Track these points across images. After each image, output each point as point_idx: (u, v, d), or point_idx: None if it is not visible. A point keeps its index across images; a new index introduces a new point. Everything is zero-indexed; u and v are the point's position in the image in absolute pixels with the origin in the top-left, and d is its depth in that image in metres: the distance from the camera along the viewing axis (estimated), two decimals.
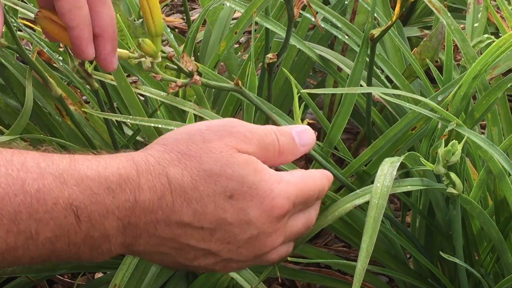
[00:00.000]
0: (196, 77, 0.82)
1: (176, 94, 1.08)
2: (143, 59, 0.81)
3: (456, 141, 0.82)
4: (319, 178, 0.76)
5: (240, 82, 0.85)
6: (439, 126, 0.96)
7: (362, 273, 0.72)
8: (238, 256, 0.72)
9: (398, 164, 0.81)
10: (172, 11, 1.95)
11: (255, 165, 0.71)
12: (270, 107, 0.99)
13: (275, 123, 0.90)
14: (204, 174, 0.69)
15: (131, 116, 0.95)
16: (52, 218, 0.65)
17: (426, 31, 1.41)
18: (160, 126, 0.90)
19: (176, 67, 0.81)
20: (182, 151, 0.70)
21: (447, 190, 0.86)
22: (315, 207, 0.78)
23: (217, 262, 0.73)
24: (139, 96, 1.07)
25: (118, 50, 0.86)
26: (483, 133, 1.19)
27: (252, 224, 0.70)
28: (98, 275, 1.22)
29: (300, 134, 0.77)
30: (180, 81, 0.81)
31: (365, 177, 1.01)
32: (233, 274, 0.93)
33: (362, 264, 0.73)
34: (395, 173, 0.80)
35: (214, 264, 0.73)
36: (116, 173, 0.67)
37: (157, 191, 0.68)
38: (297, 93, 0.89)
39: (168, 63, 0.82)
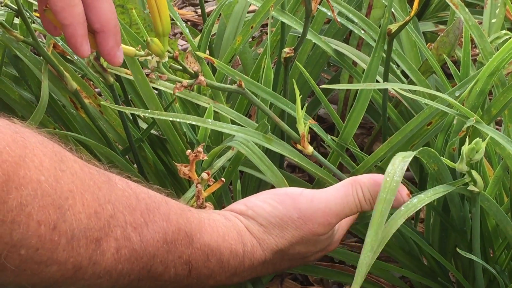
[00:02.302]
0: (201, 77, 0.83)
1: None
2: (149, 57, 0.81)
3: (480, 139, 0.81)
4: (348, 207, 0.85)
5: (243, 84, 0.86)
6: (455, 121, 0.96)
7: (365, 268, 0.72)
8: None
9: (410, 159, 0.80)
10: (184, 4, 1.95)
11: (331, 238, 0.86)
12: (285, 102, 0.99)
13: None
14: (293, 254, 0.84)
15: (149, 110, 0.94)
16: (174, 267, 0.76)
17: (441, 26, 1.40)
18: (177, 120, 0.91)
19: (181, 67, 0.81)
20: (278, 235, 0.83)
21: (468, 188, 0.85)
22: None
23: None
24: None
25: (125, 47, 0.86)
26: (497, 129, 1.18)
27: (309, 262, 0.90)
28: None
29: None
30: (185, 82, 0.82)
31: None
32: None
33: (365, 257, 0.72)
34: (405, 168, 0.79)
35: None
36: (228, 248, 0.80)
37: (253, 267, 0.82)
38: (306, 93, 0.89)
39: (173, 63, 0.82)
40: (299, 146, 0.90)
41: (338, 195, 0.84)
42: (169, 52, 0.80)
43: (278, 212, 0.83)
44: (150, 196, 0.74)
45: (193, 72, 0.82)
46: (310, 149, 0.89)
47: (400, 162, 0.79)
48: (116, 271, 0.70)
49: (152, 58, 0.80)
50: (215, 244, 0.78)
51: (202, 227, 0.78)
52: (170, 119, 0.93)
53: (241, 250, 0.81)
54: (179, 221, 0.75)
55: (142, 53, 0.82)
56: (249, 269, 0.82)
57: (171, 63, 0.82)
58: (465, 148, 0.80)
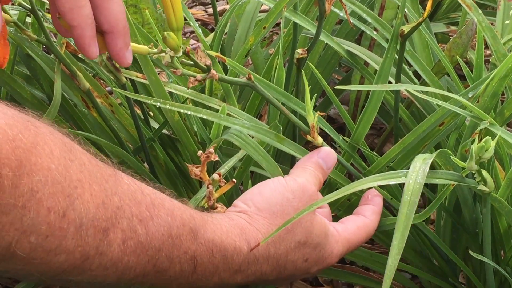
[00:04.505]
0: (213, 71, 0.83)
1: (203, 89, 1.08)
2: (162, 54, 0.81)
3: (490, 138, 0.81)
4: (372, 227, 0.92)
5: (252, 77, 0.87)
6: (467, 122, 0.96)
7: (393, 270, 0.73)
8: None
9: (431, 160, 0.81)
10: (194, 3, 1.95)
11: (325, 230, 0.87)
12: (296, 102, 0.99)
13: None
14: (295, 245, 0.84)
15: (161, 100, 0.95)
16: (180, 262, 0.76)
17: (453, 27, 1.40)
18: (189, 112, 0.91)
19: (192, 62, 0.82)
20: (281, 224, 0.82)
21: (478, 188, 0.85)
22: None
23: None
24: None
25: (137, 46, 0.86)
26: (509, 131, 1.18)
27: (311, 273, 0.89)
28: None
29: (325, 160, 0.91)
30: (199, 76, 0.83)
31: None
32: None
33: (393, 261, 0.73)
34: (427, 170, 0.79)
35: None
36: (232, 245, 0.80)
37: (258, 263, 0.83)
38: (318, 93, 0.90)
39: (183, 59, 0.82)
40: (309, 137, 0.91)
41: (308, 170, 0.89)
42: (181, 47, 0.81)
43: (276, 199, 0.84)
44: (154, 192, 0.75)
45: (204, 66, 0.83)
46: (319, 140, 0.91)
47: (421, 164, 0.80)
48: (122, 263, 0.71)
49: (166, 53, 0.81)
50: (219, 240, 0.79)
51: (206, 224, 0.79)
52: (181, 110, 0.94)
53: (245, 247, 0.81)
54: (183, 217, 0.76)
55: (155, 50, 0.82)
56: (253, 264, 0.83)
57: (182, 59, 0.82)
58: (474, 146, 0.80)
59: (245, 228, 0.82)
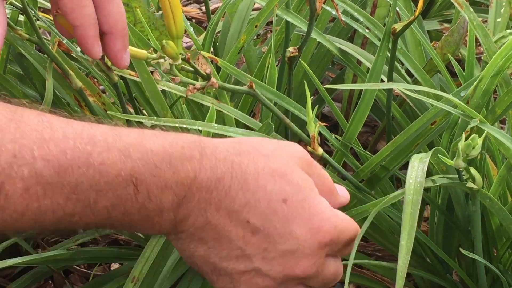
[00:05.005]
0: (213, 79, 0.83)
1: None
2: (161, 60, 0.81)
3: (477, 135, 0.81)
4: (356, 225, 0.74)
5: (253, 85, 0.86)
6: (460, 120, 0.96)
7: (405, 270, 0.72)
8: (268, 268, 0.72)
9: (428, 159, 0.81)
10: (189, 1, 1.95)
11: (312, 185, 0.72)
12: (288, 101, 0.99)
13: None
14: (268, 170, 0.70)
15: (155, 118, 0.94)
16: (112, 189, 0.66)
17: (446, 25, 1.40)
18: (184, 126, 0.90)
19: (192, 69, 0.81)
20: (255, 146, 0.71)
21: (466, 185, 0.86)
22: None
23: (245, 271, 0.73)
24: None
25: (137, 50, 0.86)
26: (502, 128, 1.18)
27: (294, 236, 0.71)
28: (115, 266, 1.23)
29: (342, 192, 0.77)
30: (198, 84, 0.82)
31: (380, 175, 1.01)
32: None
33: (403, 261, 0.73)
34: (426, 168, 0.80)
35: (241, 274, 0.73)
36: (180, 151, 0.68)
37: (217, 172, 0.69)
38: (311, 92, 0.90)
39: (184, 65, 0.82)
40: (309, 148, 0.90)
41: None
42: (181, 54, 0.81)
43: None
44: (70, 123, 0.67)
45: (205, 74, 0.82)
46: (320, 151, 0.90)
47: (419, 164, 0.81)
48: (32, 210, 0.65)
49: (165, 60, 0.80)
50: (160, 149, 0.68)
51: (143, 138, 0.68)
52: (177, 125, 0.93)
53: (197, 152, 0.69)
54: (108, 140, 0.66)
55: (155, 55, 0.82)
56: (210, 170, 0.69)
57: (183, 65, 0.82)
58: (461, 144, 0.81)
59: (200, 137, 0.71)
